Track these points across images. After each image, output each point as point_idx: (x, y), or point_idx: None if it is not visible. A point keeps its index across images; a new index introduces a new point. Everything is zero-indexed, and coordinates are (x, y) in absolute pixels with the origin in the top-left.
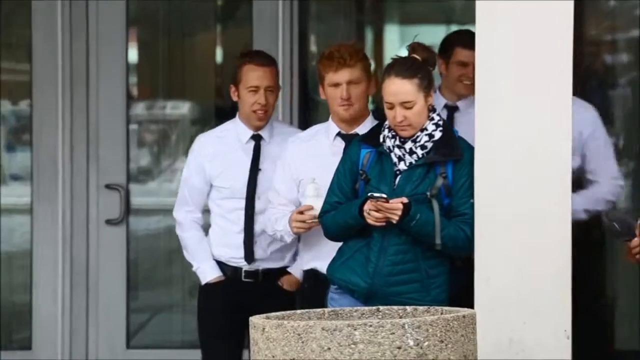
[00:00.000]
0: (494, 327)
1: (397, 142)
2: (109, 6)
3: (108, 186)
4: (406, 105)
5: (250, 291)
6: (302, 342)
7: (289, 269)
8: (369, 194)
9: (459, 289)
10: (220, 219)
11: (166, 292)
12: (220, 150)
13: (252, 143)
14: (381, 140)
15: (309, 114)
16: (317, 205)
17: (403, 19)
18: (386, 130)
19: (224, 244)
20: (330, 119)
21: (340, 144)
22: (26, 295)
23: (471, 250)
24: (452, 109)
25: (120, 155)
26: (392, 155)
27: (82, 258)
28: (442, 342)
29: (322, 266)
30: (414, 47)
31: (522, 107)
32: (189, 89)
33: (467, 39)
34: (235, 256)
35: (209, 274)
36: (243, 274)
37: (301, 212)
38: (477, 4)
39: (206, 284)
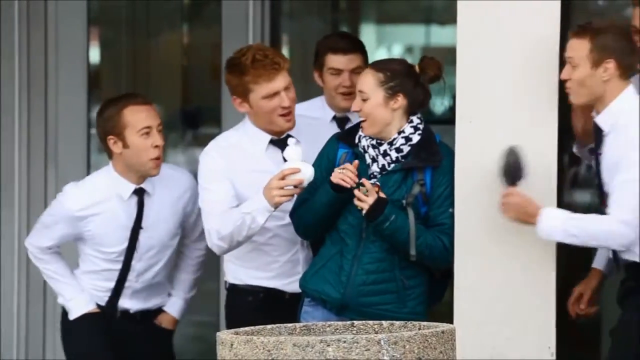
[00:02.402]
0: (474, 344)
1: (373, 142)
2: (68, 5)
3: None
4: (362, 95)
5: (126, 329)
6: (273, 359)
7: (164, 308)
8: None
9: (437, 302)
10: (91, 275)
11: None
12: (97, 210)
13: (135, 199)
14: (357, 140)
15: None
16: (303, 168)
17: (380, 18)
18: (361, 130)
19: (96, 292)
20: (251, 125)
21: (276, 151)
22: None
23: (449, 262)
24: (342, 121)
25: (81, 162)
26: (366, 155)
27: (40, 272)
28: (419, 359)
29: (247, 278)
30: (424, 57)
31: (505, 114)
32: (154, 92)
33: (337, 43)
34: (105, 299)
35: (84, 306)
36: (119, 314)
37: (282, 178)
38: (459, 4)
39: (77, 318)
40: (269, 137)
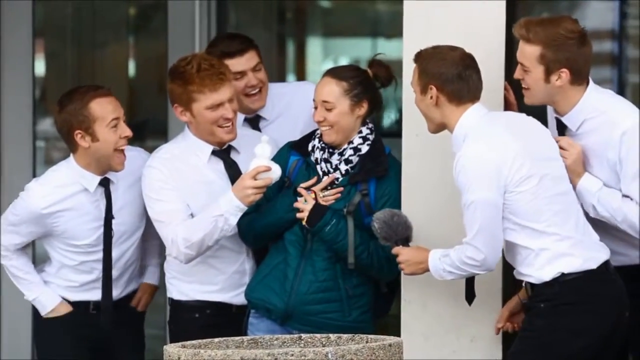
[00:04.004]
0: (421, 356)
1: (325, 155)
2: (14, 16)
3: None
4: (326, 105)
5: (99, 322)
6: None
7: (144, 280)
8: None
9: (383, 315)
10: (65, 270)
11: None
12: (65, 206)
13: (101, 189)
14: (310, 149)
15: None
16: (273, 167)
17: (327, 31)
18: (316, 140)
19: (71, 288)
20: (192, 136)
21: (218, 162)
22: None
23: (393, 273)
24: (254, 121)
25: (26, 175)
26: (318, 168)
27: None
28: None
29: (195, 293)
30: (373, 61)
31: None
32: None
33: (230, 47)
34: (84, 298)
35: (51, 300)
36: (91, 306)
37: (254, 178)
38: (405, 18)
39: (51, 320)
40: (210, 147)
